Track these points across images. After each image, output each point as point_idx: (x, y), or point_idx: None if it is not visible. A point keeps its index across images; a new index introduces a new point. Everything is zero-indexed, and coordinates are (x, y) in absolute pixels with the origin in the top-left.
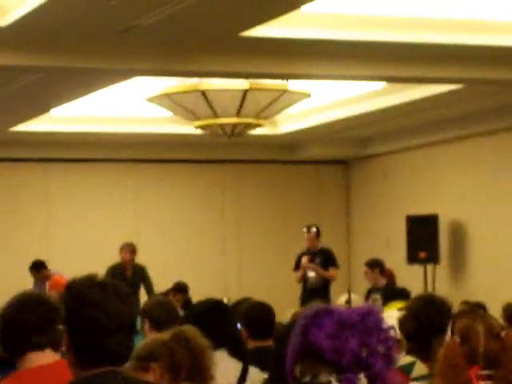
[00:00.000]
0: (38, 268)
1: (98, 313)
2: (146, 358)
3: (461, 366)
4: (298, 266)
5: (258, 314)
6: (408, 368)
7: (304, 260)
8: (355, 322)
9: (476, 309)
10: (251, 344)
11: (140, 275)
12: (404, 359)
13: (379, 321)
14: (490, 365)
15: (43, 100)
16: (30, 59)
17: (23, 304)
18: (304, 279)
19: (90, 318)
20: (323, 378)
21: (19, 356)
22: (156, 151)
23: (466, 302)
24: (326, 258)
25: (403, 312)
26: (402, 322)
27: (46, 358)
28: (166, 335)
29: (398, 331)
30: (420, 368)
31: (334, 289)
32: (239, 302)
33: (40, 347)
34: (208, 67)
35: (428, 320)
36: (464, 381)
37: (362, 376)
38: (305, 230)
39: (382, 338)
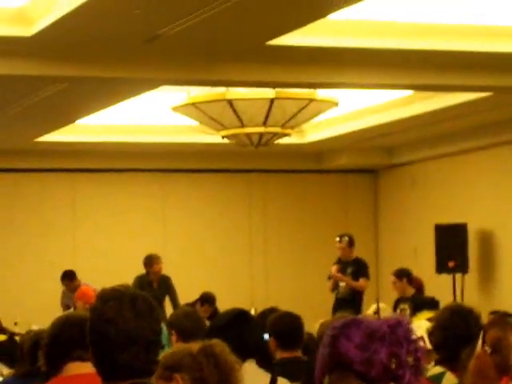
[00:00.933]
0: (70, 277)
1: (108, 328)
2: (171, 368)
3: (492, 376)
4: (330, 275)
5: (286, 324)
6: (437, 378)
7: (333, 270)
8: (384, 333)
9: (507, 319)
10: (279, 354)
11: (165, 286)
12: (433, 370)
13: (408, 332)
14: None
15: (69, 110)
16: (56, 69)
17: (69, 321)
18: (336, 289)
19: (100, 333)
20: None
21: (60, 367)
22: (182, 161)
23: (494, 312)
24: (358, 269)
25: (432, 322)
26: (431, 332)
27: (84, 368)
28: (193, 346)
29: (427, 342)
30: (449, 378)
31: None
32: (265, 313)
33: (82, 360)
34: (234, 76)
35: (455, 330)
36: None
37: None
38: (337, 238)
39: (412, 349)
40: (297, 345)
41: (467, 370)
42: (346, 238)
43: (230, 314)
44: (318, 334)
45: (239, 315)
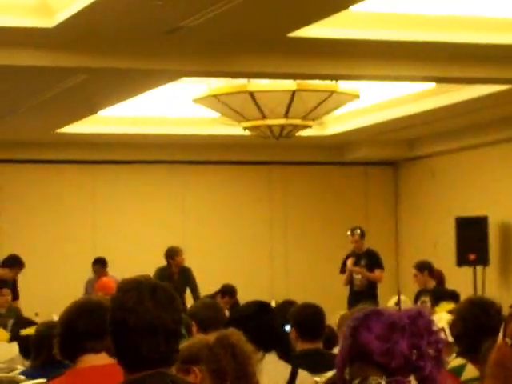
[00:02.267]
0: (103, 263)
1: (128, 317)
2: (188, 361)
3: None
4: (343, 268)
5: (308, 315)
6: (458, 370)
7: (349, 262)
8: (405, 324)
9: None
10: (300, 346)
11: (186, 277)
12: (454, 361)
13: (429, 323)
14: None
15: (89, 102)
16: (77, 60)
17: (81, 309)
18: (350, 282)
19: (120, 323)
20: (373, 380)
21: (74, 358)
22: (203, 153)
23: None
24: (371, 260)
25: (453, 314)
26: (452, 324)
27: (99, 360)
28: (210, 338)
29: (448, 333)
30: (470, 370)
31: (382, 291)
32: (284, 305)
33: (95, 351)
34: (256, 68)
35: (474, 321)
36: None
37: (411, 379)
38: (349, 232)
39: (432, 340)
40: (318, 336)
41: (487, 361)
42: (358, 231)
43: (251, 305)
44: (339, 326)
45: (260, 307)
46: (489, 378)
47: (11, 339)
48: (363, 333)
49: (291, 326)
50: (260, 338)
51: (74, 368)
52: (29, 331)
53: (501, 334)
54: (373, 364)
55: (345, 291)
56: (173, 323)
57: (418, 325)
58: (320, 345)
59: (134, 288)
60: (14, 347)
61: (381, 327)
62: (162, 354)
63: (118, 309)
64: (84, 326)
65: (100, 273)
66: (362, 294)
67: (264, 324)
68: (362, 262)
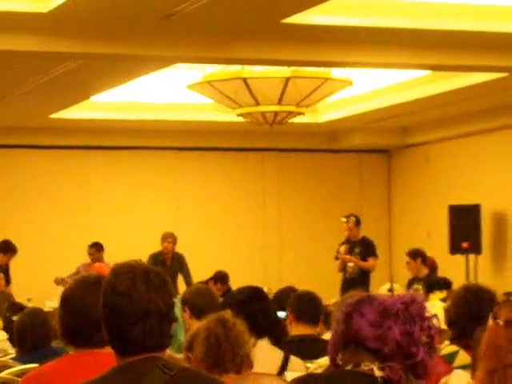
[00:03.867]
0: (98, 248)
1: (121, 301)
2: (187, 349)
3: (505, 347)
4: (338, 255)
5: (305, 299)
6: (451, 357)
7: (341, 250)
8: (398, 310)
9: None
10: (295, 331)
11: (179, 263)
12: (447, 348)
13: (422, 309)
14: None
15: (84, 87)
16: (72, 45)
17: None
18: (343, 269)
19: (113, 307)
20: (365, 366)
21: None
22: (197, 139)
23: (508, 293)
24: (365, 248)
25: (446, 302)
26: (446, 309)
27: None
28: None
29: (441, 320)
30: (463, 357)
31: (374, 278)
32: (285, 290)
33: (101, 344)
34: (249, 54)
35: (467, 307)
36: (509, 362)
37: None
38: (344, 219)
39: (425, 326)
40: (314, 321)
41: (480, 346)
42: (353, 218)
43: (247, 290)
44: (333, 313)
45: (255, 292)
46: (482, 360)
47: (4, 325)
48: (356, 318)
49: (288, 311)
50: (252, 324)
51: (72, 353)
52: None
53: (490, 320)
54: (365, 350)
55: (338, 278)
56: (165, 307)
57: (411, 311)
58: (315, 331)
59: (126, 272)
60: (2, 333)
61: (373, 313)
62: (154, 338)
63: (111, 293)
64: (94, 312)
65: (95, 257)
66: (354, 281)
67: (257, 309)
68: (356, 250)
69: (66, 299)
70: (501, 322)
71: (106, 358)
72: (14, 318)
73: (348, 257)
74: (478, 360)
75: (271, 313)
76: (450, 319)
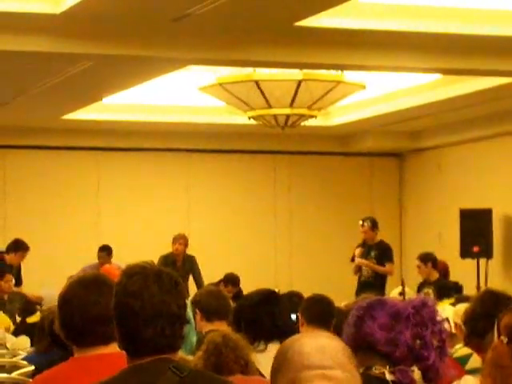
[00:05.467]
0: (109, 251)
1: (133, 302)
2: None
3: (509, 367)
4: (354, 257)
5: (317, 302)
6: (464, 360)
7: (357, 253)
8: (409, 313)
9: None
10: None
11: (189, 265)
12: (461, 351)
13: (433, 313)
14: None
15: (96, 88)
16: (83, 47)
17: (91, 290)
18: (359, 272)
19: (125, 308)
20: (377, 369)
21: (81, 343)
22: (208, 141)
23: None
24: (381, 252)
25: (456, 306)
26: (465, 310)
27: (108, 349)
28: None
29: (452, 325)
30: (475, 360)
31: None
32: (289, 296)
33: (105, 340)
34: (262, 57)
35: (482, 307)
36: None
37: (415, 368)
38: (360, 222)
39: (436, 330)
40: (325, 324)
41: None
42: (369, 222)
43: (261, 293)
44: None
45: (269, 295)
46: (486, 378)
47: (19, 326)
48: (367, 322)
49: (299, 314)
50: (267, 326)
51: (79, 355)
52: (34, 319)
53: (496, 331)
54: (377, 353)
55: (349, 281)
56: (177, 308)
57: (422, 314)
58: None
59: (138, 273)
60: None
61: (385, 317)
62: (166, 340)
63: (123, 293)
64: (95, 310)
65: (104, 260)
66: (370, 284)
67: (272, 312)
68: (372, 254)
69: (64, 300)
70: (504, 339)
71: (113, 359)
72: (28, 321)
73: (365, 262)
74: (482, 376)
75: (283, 316)
76: (466, 318)
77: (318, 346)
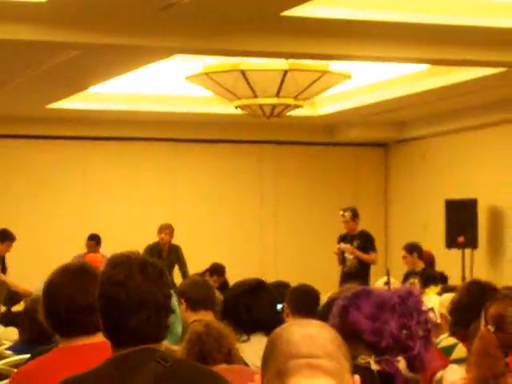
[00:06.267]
0: (98, 241)
1: (117, 291)
2: None
3: (496, 356)
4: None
5: (303, 292)
6: (449, 350)
7: (341, 246)
8: (395, 303)
9: (506, 295)
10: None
11: (175, 255)
12: (446, 341)
13: (419, 303)
14: None
15: (82, 77)
16: (69, 36)
17: (75, 280)
18: (343, 262)
19: (109, 297)
20: (362, 359)
21: (66, 333)
22: (194, 131)
23: (506, 288)
24: (364, 242)
25: (442, 296)
26: (451, 300)
27: (92, 338)
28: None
29: (437, 314)
30: (461, 350)
31: (371, 272)
32: (276, 286)
33: (91, 329)
34: (248, 46)
35: (468, 297)
36: (500, 371)
37: (400, 358)
38: (341, 212)
39: (422, 320)
40: (310, 314)
41: (472, 348)
42: (349, 212)
43: (246, 283)
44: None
45: (258, 285)
46: (472, 367)
47: (5, 315)
48: (353, 312)
49: (285, 303)
50: (253, 317)
51: (63, 345)
52: (18, 308)
53: (482, 320)
54: (362, 343)
55: (335, 271)
56: (162, 298)
57: (408, 304)
58: None
59: (123, 263)
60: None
61: (370, 306)
62: (151, 329)
63: (108, 283)
64: (81, 299)
65: (93, 249)
66: (354, 274)
67: (254, 302)
68: (355, 244)
69: (49, 289)
70: (491, 328)
71: (98, 348)
72: (13, 309)
73: (350, 247)
74: (468, 365)
75: (266, 306)
76: (452, 308)
77: (307, 335)
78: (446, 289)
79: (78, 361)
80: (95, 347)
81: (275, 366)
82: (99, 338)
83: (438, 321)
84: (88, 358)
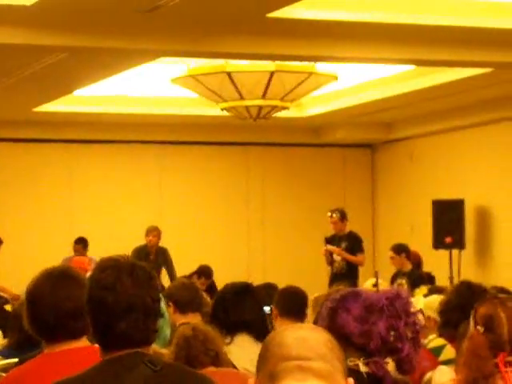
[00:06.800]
0: (85, 244)
1: (106, 295)
2: None
3: (486, 356)
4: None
5: (292, 294)
6: (438, 350)
7: (329, 248)
8: (383, 305)
9: (496, 295)
10: (279, 325)
11: (162, 257)
12: (435, 341)
13: (407, 304)
14: None
15: (68, 80)
16: (55, 39)
17: (60, 285)
18: (331, 263)
19: (98, 301)
20: (350, 361)
21: (51, 338)
22: (181, 133)
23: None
24: (352, 243)
25: (427, 298)
26: (440, 301)
27: (78, 343)
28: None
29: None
30: (449, 351)
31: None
32: (264, 288)
33: (75, 335)
34: (234, 48)
35: (457, 298)
36: (489, 372)
37: (389, 360)
38: (329, 214)
39: (410, 321)
40: (299, 316)
41: (461, 349)
42: (337, 213)
43: (232, 287)
44: (313, 307)
45: (246, 288)
46: (462, 368)
47: None
48: (341, 314)
49: (273, 306)
50: (240, 319)
51: (49, 350)
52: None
53: (472, 321)
54: (351, 345)
55: (322, 272)
56: (151, 301)
57: (396, 306)
58: None
59: (112, 266)
60: None
61: (359, 308)
62: (140, 333)
63: (96, 287)
64: (66, 305)
65: (80, 253)
66: (342, 275)
67: (247, 305)
68: (343, 245)
69: (33, 296)
70: (481, 329)
71: (84, 352)
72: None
73: (337, 249)
74: (458, 365)
75: (258, 307)
76: (441, 309)
77: (299, 337)
78: (433, 290)
79: (65, 366)
80: (81, 351)
81: (267, 368)
82: (84, 342)
83: (424, 323)
84: (75, 362)
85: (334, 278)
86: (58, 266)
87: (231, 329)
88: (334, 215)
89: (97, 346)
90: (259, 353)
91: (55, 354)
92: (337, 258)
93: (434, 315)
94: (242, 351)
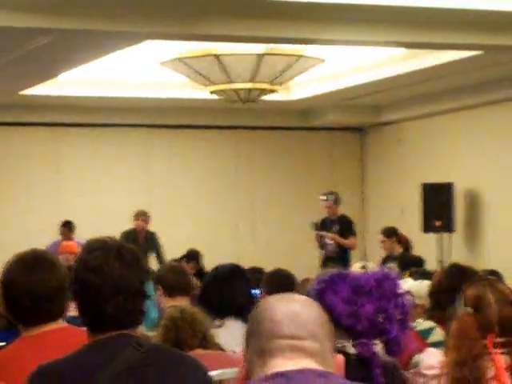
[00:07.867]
0: (71, 228)
1: (93, 277)
2: None
3: (475, 338)
4: (316, 229)
5: (279, 278)
6: (426, 333)
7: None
8: (372, 287)
9: (484, 277)
10: None
11: (151, 241)
12: (424, 324)
13: (396, 286)
14: (506, 332)
15: (54, 63)
16: (41, 22)
17: (34, 269)
18: (323, 246)
19: (85, 282)
20: (339, 343)
21: (28, 322)
22: (169, 116)
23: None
24: (343, 227)
25: (418, 285)
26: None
27: (52, 325)
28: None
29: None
30: (438, 333)
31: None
32: (251, 272)
33: (52, 317)
34: (224, 31)
35: (448, 279)
36: (478, 353)
37: (377, 341)
38: (324, 197)
39: (399, 303)
40: None
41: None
42: (332, 196)
43: (227, 267)
44: (301, 290)
45: (236, 270)
46: (451, 349)
47: None
48: (329, 295)
49: (262, 289)
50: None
51: (26, 334)
52: None
53: (461, 303)
54: (339, 327)
55: (313, 256)
56: (138, 283)
57: (385, 288)
58: None
59: (99, 248)
60: None
61: (346, 290)
62: (127, 315)
63: (83, 268)
64: (41, 288)
65: (66, 236)
66: (334, 259)
67: (237, 287)
68: (334, 228)
69: (7, 282)
70: (470, 310)
71: (62, 333)
72: None
73: (330, 234)
74: (447, 348)
75: (247, 290)
76: (431, 291)
77: (290, 314)
78: (418, 272)
79: (43, 348)
80: (58, 333)
81: (258, 344)
82: (60, 323)
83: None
84: (52, 344)
85: (326, 261)
86: (30, 249)
87: (221, 311)
88: (330, 198)
89: (73, 326)
90: (248, 325)
91: (33, 337)
92: (329, 241)
93: (422, 302)
94: (231, 335)
